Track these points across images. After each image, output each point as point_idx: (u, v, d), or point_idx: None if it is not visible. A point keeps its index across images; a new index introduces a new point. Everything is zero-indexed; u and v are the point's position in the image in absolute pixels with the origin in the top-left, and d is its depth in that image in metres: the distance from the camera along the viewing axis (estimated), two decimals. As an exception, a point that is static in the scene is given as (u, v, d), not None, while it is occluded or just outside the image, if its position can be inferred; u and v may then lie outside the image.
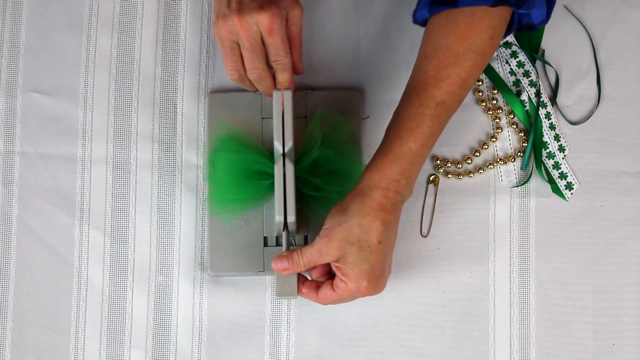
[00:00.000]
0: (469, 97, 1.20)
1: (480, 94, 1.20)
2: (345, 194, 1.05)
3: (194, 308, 1.17)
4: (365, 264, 1.02)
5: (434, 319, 1.16)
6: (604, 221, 1.18)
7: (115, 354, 1.16)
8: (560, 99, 1.21)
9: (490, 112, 1.20)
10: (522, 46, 1.20)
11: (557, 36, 1.21)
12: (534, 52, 1.21)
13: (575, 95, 1.21)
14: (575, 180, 1.18)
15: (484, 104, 1.20)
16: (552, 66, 1.21)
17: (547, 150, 1.19)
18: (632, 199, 1.18)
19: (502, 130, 1.20)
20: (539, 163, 1.18)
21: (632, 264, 1.17)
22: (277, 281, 1.07)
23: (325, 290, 1.05)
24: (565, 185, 1.18)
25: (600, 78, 1.21)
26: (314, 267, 1.07)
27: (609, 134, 1.20)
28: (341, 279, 1.03)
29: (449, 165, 1.19)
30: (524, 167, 1.19)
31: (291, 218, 1.07)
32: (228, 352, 1.16)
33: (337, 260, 1.03)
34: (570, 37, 1.22)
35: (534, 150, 1.18)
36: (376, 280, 1.04)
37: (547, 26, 1.21)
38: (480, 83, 1.21)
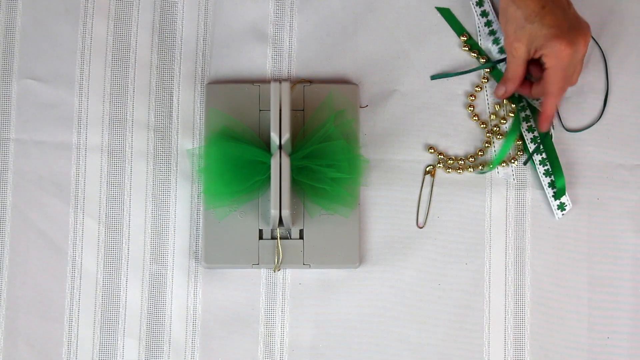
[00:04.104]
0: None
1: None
2: (339, 184, 1.05)
3: (188, 297, 1.17)
4: (544, 30, 1.08)
5: (428, 311, 1.16)
6: (600, 214, 1.18)
7: (108, 342, 1.16)
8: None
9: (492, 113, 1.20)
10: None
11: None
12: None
13: (573, 88, 1.20)
14: (569, 202, 1.17)
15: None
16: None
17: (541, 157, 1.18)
18: (629, 192, 1.18)
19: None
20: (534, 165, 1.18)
21: (628, 257, 1.17)
22: None
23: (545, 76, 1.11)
24: (556, 195, 1.18)
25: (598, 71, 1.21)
26: (533, 71, 1.14)
27: (606, 126, 1.19)
28: (542, 56, 1.10)
29: (450, 161, 1.18)
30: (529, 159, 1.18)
31: (286, 212, 1.07)
32: (222, 342, 1.16)
33: (531, 49, 1.10)
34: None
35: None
36: (568, 31, 1.08)
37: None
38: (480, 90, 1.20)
